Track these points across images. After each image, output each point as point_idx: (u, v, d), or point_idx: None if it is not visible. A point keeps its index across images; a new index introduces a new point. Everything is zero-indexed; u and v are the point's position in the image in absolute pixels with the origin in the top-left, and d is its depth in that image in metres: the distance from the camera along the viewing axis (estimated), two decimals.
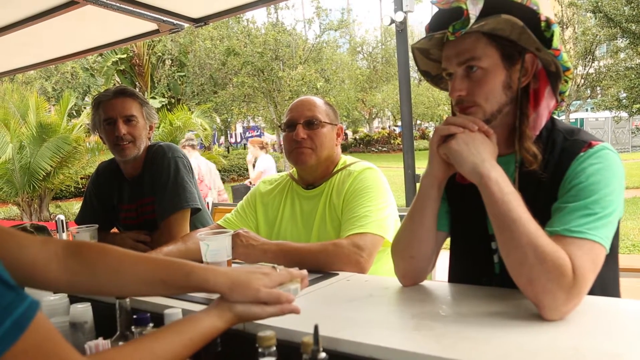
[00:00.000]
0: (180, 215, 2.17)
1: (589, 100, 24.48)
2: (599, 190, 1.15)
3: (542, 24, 1.21)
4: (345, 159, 2.05)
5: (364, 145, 30.54)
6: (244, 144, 30.38)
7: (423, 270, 1.42)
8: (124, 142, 2.18)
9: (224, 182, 18.25)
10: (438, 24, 1.30)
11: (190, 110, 15.79)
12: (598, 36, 20.30)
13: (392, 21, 5.69)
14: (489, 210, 1.16)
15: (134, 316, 1.11)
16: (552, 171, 1.24)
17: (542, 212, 1.16)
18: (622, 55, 19.92)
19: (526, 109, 1.27)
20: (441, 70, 1.39)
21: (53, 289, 1.12)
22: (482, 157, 1.18)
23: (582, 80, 22.47)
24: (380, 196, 1.85)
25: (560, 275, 1.05)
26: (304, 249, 1.74)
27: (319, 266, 1.67)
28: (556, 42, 1.21)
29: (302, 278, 1.09)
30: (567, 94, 1.33)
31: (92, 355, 0.80)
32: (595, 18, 19.44)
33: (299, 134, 1.91)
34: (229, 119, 26.56)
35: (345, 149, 28.96)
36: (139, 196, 2.31)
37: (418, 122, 32.82)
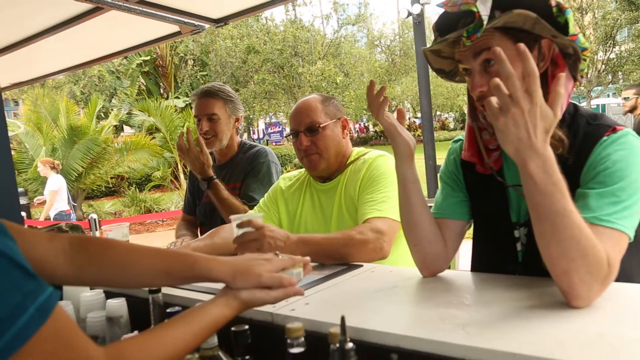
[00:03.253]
0: None
1: (610, 85, 23.95)
2: (625, 177, 1.12)
3: (554, 9, 1.17)
4: (357, 150, 2.05)
5: (385, 138, 30.37)
6: (267, 140, 30.50)
7: (436, 257, 1.40)
8: (207, 137, 2.48)
9: None
10: (448, 24, 1.27)
11: None
12: (619, 20, 19.82)
13: (409, 14, 5.64)
14: (527, 199, 1.07)
15: (167, 310, 1.13)
16: (575, 155, 1.21)
17: None
18: None
19: (547, 95, 1.24)
20: (454, 65, 1.37)
21: (61, 282, 1.14)
22: (530, 140, 1.02)
23: (603, 66, 21.97)
24: (395, 182, 1.83)
25: (599, 268, 1.03)
26: (328, 242, 1.70)
27: (344, 257, 1.68)
28: (572, 28, 1.17)
29: (304, 263, 1.09)
30: (585, 71, 1.28)
31: (107, 346, 0.82)
32: (616, 2, 18.99)
33: (302, 143, 1.94)
34: (251, 116, 26.63)
35: (366, 141, 28.90)
36: (226, 179, 2.53)
37: (437, 113, 32.51)
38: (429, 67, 1.44)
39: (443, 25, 1.29)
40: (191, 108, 17.44)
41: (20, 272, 0.73)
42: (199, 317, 0.94)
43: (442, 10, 1.30)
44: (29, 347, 0.71)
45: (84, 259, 1.05)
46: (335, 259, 1.68)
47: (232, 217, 1.57)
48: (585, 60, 1.24)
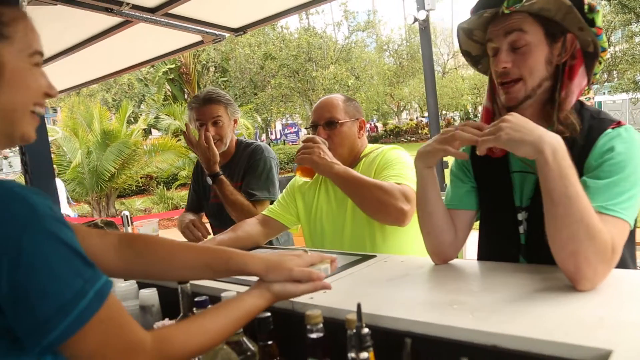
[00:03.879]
0: (259, 203, 2.30)
1: (606, 84, 23.59)
2: (626, 167, 1.12)
3: (586, 7, 1.20)
4: (371, 146, 2.04)
5: (394, 136, 30.21)
6: (284, 140, 30.52)
7: (447, 245, 1.39)
8: (213, 142, 2.32)
9: None
10: (486, 3, 1.28)
11: None
12: (613, 22, 19.51)
13: (416, 19, 5.61)
14: (543, 184, 1.09)
15: (195, 299, 1.14)
16: (580, 146, 1.21)
17: None
18: (637, 39, 19.13)
19: (562, 83, 1.25)
20: (481, 51, 1.38)
21: (111, 276, 1.16)
22: (536, 133, 1.09)
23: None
24: (410, 168, 1.83)
25: (604, 251, 1.03)
26: (363, 180, 1.73)
27: (370, 200, 1.69)
28: (599, 22, 1.19)
29: (331, 260, 1.09)
30: (597, 76, 1.30)
31: (153, 331, 0.83)
32: (610, 5, 18.71)
33: (319, 136, 1.93)
34: (268, 118, 26.70)
35: (376, 140, 28.75)
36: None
37: (443, 112, 32.22)
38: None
39: (483, 5, 1.29)
40: None
41: (80, 260, 0.76)
42: (235, 306, 0.95)
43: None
44: (87, 329, 0.73)
45: (132, 254, 1.07)
46: (365, 197, 1.71)
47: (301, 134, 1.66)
48: (600, 63, 1.26)
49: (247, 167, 2.41)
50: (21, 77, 0.84)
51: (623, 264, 1.21)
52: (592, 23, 1.20)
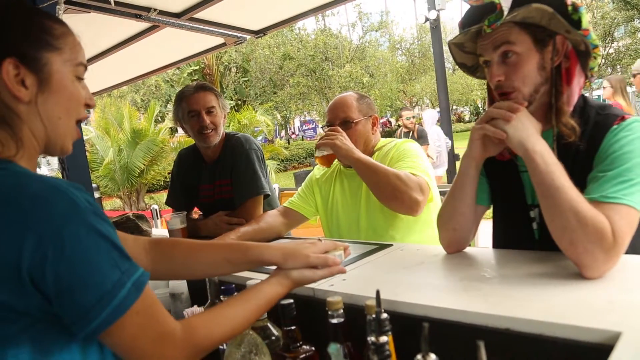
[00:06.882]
0: (254, 200, 2.19)
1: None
2: (632, 158, 1.08)
3: (569, 8, 1.14)
4: (384, 140, 2.02)
5: (406, 132, 29.97)
6: (302, 136, 30.52)
7: (464, 239, 1.38)
8: (208, 131, 2.19)
9: (285, 170, 18.48)
10: (472, 19, 1.25)
11: (254, 109, 15.96)
12: (616, 19, 19.12)
13: (427, 19, 5.57)
14: (533, 180, 1.11)
15: (222, 287, 1.15)
16: (586, 142, 1.18)
17: (579, 182, 1.10)
18: (639, 35, 18.72)
19: (560, 87, 1.20)
20: (476, 61, 1.35)
21: None
22: (527, 132, 1.12)
23: (603, 60, 21.19)
24: (424, 160, 1.83)
25: (601, 238, 1.00)
26: (381, 167, 1.72)
27: (386, 187, 1.67)
28: (585, 23, 1.15)
29: (344, 248, 1.09)
30: (595, 69, 1.25)
31: (181, 321, 0.84)
32: (613, 2, 18.33)
33: None
34: (287, 115, 26.75)
35: (390, 135, 28.58)
36: (216, 177, 2.33)
37: (454, 107, 31.88)
38: (450, 60, 1.42)
39: (468, 20, 1.26)
40: (235, 110, 17.58)
41: (118, 253, 0.76)
42: (255, 295, 0.96)
43: (468, 9, 1.28)
44: (125, 318, 0.74)
45: (158, 255, 1.09)
46: (381, 183, 1.69)
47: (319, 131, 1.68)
48: (595, 58, 1.21)
49: (233, 166, 2.24)
50: (66, 86, 0.87)
51: (635, 249, 1.18)
52: (578, 23, 1.14)
